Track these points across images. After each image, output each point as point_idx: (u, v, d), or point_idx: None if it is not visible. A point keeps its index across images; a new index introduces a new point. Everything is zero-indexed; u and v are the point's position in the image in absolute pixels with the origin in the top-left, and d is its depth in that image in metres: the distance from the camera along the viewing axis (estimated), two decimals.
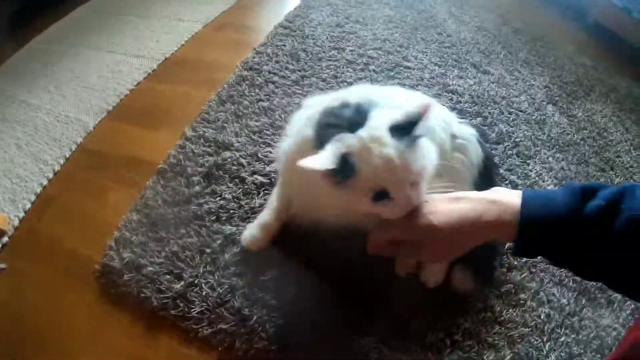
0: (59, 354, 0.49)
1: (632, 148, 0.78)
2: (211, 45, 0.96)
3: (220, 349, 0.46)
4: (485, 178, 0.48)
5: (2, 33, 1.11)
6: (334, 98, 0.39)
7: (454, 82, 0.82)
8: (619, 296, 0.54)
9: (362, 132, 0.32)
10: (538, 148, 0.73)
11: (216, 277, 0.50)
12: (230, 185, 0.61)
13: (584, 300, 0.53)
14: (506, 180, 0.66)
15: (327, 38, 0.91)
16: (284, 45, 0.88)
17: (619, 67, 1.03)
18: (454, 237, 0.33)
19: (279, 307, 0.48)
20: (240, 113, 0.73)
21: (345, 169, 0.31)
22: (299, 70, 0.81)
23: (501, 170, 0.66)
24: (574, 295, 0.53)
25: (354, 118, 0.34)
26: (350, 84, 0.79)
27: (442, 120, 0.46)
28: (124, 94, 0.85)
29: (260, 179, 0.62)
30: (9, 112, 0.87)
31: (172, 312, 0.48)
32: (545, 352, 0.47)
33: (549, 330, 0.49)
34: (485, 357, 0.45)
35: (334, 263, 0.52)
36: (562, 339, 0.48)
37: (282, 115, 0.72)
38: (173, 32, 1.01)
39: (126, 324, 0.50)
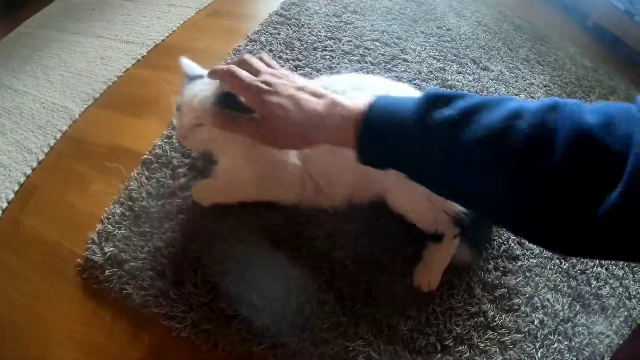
0: (38, 349, 0.45)
1: None
2: (203, 32, 0.90)
3: (203, 349, 0.43)
4: None
5: None
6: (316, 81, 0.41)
7: (453, 77, 0.78)
8: (612, 302, 0.52)
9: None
10: None
11: (200, 275, 0.47)
12: None
13: (578, 306, 0.50)
14: None
15: (323, 27, 0.85)
16: (279, 34, 0.82)
17: (618, 70, 0.99)
18: (295, 128, 0.32)
19: (264, 307, 0.45)
20: None
21: None
22: (293, 60, 0.76)
23: None
24: (568, 301, 0.51)
25: None
26: None
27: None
28: (111, 81, 0.79)
29: None
30: None
31: (155, 310, 0.45)
32: (537, 359, 0.44)
33: (542, 337, 0.47)
34: None
35: (323, 263, 0.48)
36: (555, 345, 0.46)
37: None
38: (164, 18, 0.95)
39: (108, 321, 0.47)
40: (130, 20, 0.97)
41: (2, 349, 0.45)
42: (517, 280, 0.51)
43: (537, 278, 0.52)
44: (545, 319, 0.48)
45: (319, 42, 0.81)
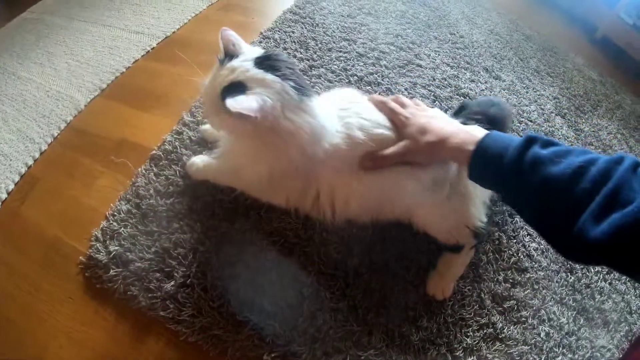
0: (35, 348, 0.43)
1: None
2: (215, 26, 0.84)
3: (211, 355, 0.41)
4: None
5: None
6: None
7: (466, 85, 0.76)
8: (614, 317, 0.52)
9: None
10: None
11: (210, 278, 0.44)
12: None
13: (582, 320, 0.50)
14: None
15: (337, 28, 0.82)
16: (293, 32, 0.79)
17: (625, 83, 0.99)
18: (433, 148, 0.40)
19: (275, 313, 0.43)
20: None
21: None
22: (308, 60, 0.73)
23: None
24: (573, 315, 0.50)
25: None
26: (361, 78, 0.71)
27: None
28: (119, 72, 0.75)
29: None
30: None
31: (162, 313, 0.43)
32: None
33: (548, 349, 0.46)
34: None
35: (336, 271, 0.46)
36: (560, 358, 0.46)
37: None
38: (176, 10, 0.90)
39: (111, 322, 0.44)
40: (140, 10, 0.92)
41: None
42: (526, 292, 0.50)
43: (544, 291, 0.51)
44: (551, 331, 0.48)
45: (334, 42, 0.78)
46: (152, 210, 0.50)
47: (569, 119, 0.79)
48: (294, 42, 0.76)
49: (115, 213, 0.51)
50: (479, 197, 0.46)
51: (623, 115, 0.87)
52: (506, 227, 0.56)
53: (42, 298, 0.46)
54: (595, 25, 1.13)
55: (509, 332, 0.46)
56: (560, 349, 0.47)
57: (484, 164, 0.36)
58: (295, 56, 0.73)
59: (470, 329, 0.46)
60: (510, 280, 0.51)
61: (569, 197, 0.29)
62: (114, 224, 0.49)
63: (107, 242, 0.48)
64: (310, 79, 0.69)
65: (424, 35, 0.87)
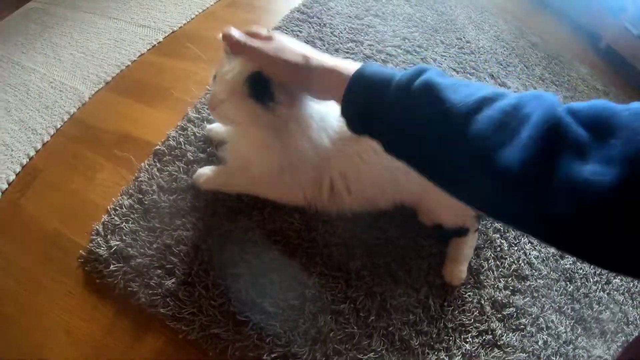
0: (33, 344, 0.42)
1: None
2: (222, 23, 0.84)
3: (211, 354, 0.40)
4: None
5: None
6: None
7: None
8: (612, 327, 0.52)
9: None
10: None
11: (211, 276, 0.44)
12: None
13: (579, 329, 0.50)
14: None
15: (345, 29, 0.81)
16: (300, 31, 0.78)
17: (627, 94, 0.98)
18: (295, 67, 0.32)
19: (277, 314, 0.42)
20: None
21: None
22: None
23: None
24: (571, 324, 0.50)
25: None
26: None
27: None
28: (125, 65, 0.74)
29: None
30: (0, 73, 0.76)
31: (162, 310, 0.42)
32: None
33: (545, 358, 0.46)
34: None
35: (339, 273, 0.46)
36: None
37: None
38: (183, 5, 0.89)
39: (110, 318, 0.43)
40: (147, 4, 0.91)
41: None
42: (525, 300, 0.50)
43: (543, 299, 0.51)
44: (549, 339, 0.48)
45: (341, 43, 0.77)
46: (155, 206, 0.50)
47: None
48: (301, 41, 0.75)
49: (117, 207, 0.50)
50: None
51: None
52: (508, 235, 0.55)
53: (40, 291, 0.45)
54: (600, 34, 1.13)
55: (508, 339, 0.46)
56: (558, 357, 0.47)
57: (364, 92, 0.28)
58: None
59: (470, 334, 0.45)
60: (511, 288, 0.50)
61: (474, 127, 0.23)
62: (116, 218, 0.49)
63: (108, 236, 0.47)
64: None
65: (430, 39, 0.86)
